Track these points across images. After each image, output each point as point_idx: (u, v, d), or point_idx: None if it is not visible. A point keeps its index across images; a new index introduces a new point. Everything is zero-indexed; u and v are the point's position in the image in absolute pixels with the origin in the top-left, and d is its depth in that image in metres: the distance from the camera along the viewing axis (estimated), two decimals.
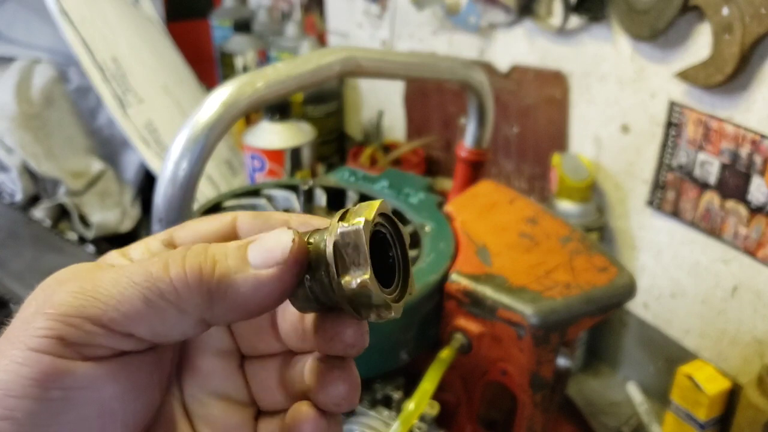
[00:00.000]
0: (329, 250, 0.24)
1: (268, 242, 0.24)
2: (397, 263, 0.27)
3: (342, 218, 0.25)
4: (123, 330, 0.23)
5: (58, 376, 0.22)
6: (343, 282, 0.24)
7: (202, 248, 0.24)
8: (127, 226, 1.24)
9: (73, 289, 0.23)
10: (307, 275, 0.25)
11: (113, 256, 0.27)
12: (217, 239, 0.27)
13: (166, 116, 1.24)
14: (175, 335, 0.24)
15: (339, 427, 0.28)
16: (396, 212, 0.78)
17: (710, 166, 0.88)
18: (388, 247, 0.27)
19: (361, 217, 0.24)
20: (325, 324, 0.26)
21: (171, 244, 0.27)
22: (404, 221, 0.76)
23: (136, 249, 0.27)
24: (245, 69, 1.55)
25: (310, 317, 0.27)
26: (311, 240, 0.26)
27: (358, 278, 0.24)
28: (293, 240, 0.24)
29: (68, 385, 0.22)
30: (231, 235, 0.27)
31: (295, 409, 0.27)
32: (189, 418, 0.27)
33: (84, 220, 1.20)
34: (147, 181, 1.30)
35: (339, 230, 0.24)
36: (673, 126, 0.92)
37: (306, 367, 0.27)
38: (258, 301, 0.24)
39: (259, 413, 0.29)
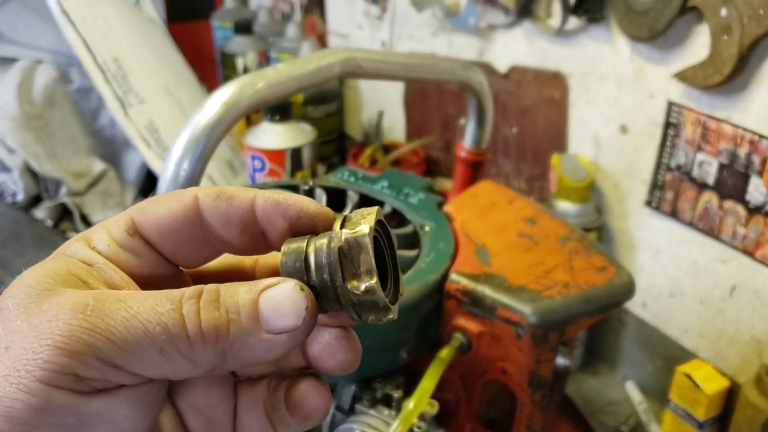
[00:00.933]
0: (334, 256, 0.25)
1: (281, 304, 0.24)
2: (389, 265, 0.28)
3: (342, 225, 0.26)
4: (136, 372, 0.23)
5: (74, 408, 0.22)
6: (349, 287, 0.25)
7: (214, 298, 0.24)
8: None
9: (82, 324, 0.22)
10: (306, 277, 0.26)
11: (77, 247, 0.26)
12: (182, 225, 0.26)
13: (167, 117, 1.25)
14: (183, 377, 0.25)
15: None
16: (396, 212, 0.78)
17: (709, 166, 0.89)
18: (382, 250, 0.27)
19: (363, 225, 0.25)
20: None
21: (135, 233, 0.27)
22: (404, 221, 0.77)
23: (100, 238, 0.27)
24: (246, 70, 1.55)
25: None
26: (312, 244, 0.26)
27: (364, 283, 0.25)
28: (307, 308, 0.24)
29: (83, 412, 0.23)
30: (195, 215, 0.26)
31: (299, 379, 0.28)
32: (173, 404, 0.28)
33: (86, 220, 1.21)
34: (148, 182, 1.31)
35: (344, 237, 0.25)
36: (671, 126, 0.93)
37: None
38: (269, 359, 0.24)
39: (237, 382, 0.29)
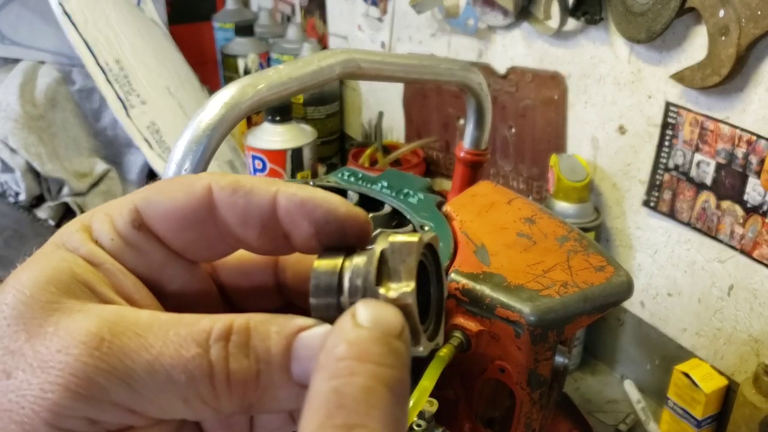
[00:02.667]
0: (375, 255, 0.22)
1: (315, 356, 0.20)
2: (432, 302, 0.25)
3: (379, 273, 0.22)
4: (154, 416, 0.21)
5: None
6: (381, 290, 0.22)
7: (244, 342, 0.21)
8: None
9: (99, 366, 0.19)
10: (337, 303, 0.23)
11: (78, 240, 0.23)
12: (192, 222, 0.23)
13: (169, 117, 1.25)
14: (202, 420, 0.23)
15: None
16: (396, 212, 0.79)
17: (706, 167, 0.89)
18: (427, 281, 0.24)
19: (403, 287, 0.22)
20: None
21: (141, 225, 0.23)
22: (404, 221, 0.77)
23: (102, 230, 0.23)
24: (247, 71, 1.56)
25: None
26: (348, 271, 0.23)
27: (399, 290, 0.22)
28: None
29: None
30: (208, 211, 0.23)
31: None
32: None
33: None
34: (150, 182, 1.31)
35: (390, 239, 0.22)
36: (669, 127, 0.93)
37: None
38: (296, 407, 0.21)
39: None
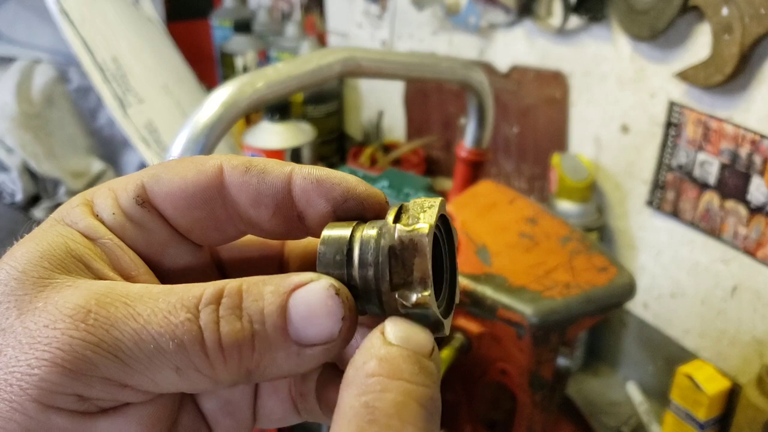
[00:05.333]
0: (384, 255, 0.21)
1: (314, 312, 0.20)
2: (445, 268, 0.23)
3: (397, 218, 0.21)
4: (147, 390, 0.20)
5: (74, 431, 0.19)
6: (397, 295, 0.21)
7: (236, 304, 0.20)
8: None
9: (85, 338, 0.19)
10: (346, 273, 0.21)
11: (78, 214, 0.22)
12: (201, 201, 0.23)
13: (166, 116, 1.25)
14: (201, 391, 0.22)
15: None
16: None
17: (710, 166, 0.89)
18: (439, 250, 0.23)
19: (422, 221, 0.21)
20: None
21: (146, 201, 0.23)
22: None
23: (104, 204, 0.23)
24: (245, 69, 1.55)
25: None
26: (359, 233, 0.21)
27: (415, 294, 0.20)
28: (344, 317, 0.20)
29: None
30: (218, 190, 0.23)
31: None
32: None
33: None
34: None
35: (398, 234, 0.20)
36: (672, 126, 0.92)
37: None
38: (299, 372, 0.21)
39: None
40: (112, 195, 0.23)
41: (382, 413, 0.18)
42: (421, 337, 0.20)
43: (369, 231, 0.21)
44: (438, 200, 0.22)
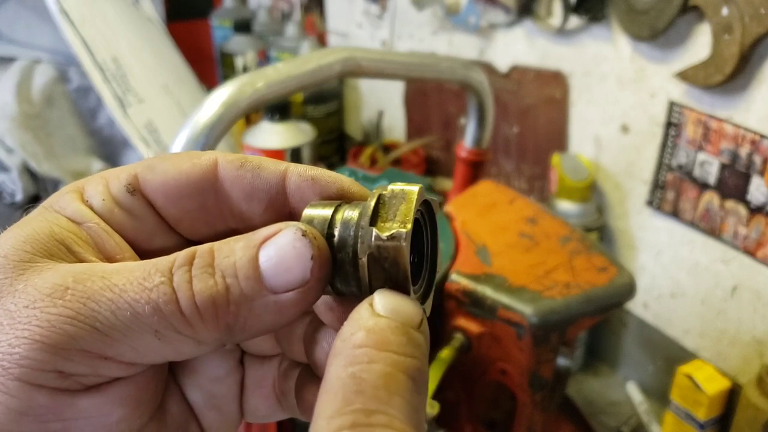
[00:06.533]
0: (363, 262, 0.21)
1: (284, 257, 0.20)
2: (426, 252, 0.24)
3: (375, 212, 0.21)
4: (131, 361, 0.20)
5: (57, 410, 0.19)
6: (375, 230, 0.21)
7: (208, 263, 0.20)
8: None
9: (62, 312, 0.19)
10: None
11: (67, 200, 0.23)
12: (193, 191, 0.23)
13: (166, 116, 1.25)
14: (188, 356, 0.21)
15: None
16: None
17: (710, 166, 0.89)
18: (420, 234, 0.23)
19: (400, 222, 0.21)
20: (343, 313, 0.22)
21: (137, 189, 0.23)
22: None
23: (94, 191, 0.23)
24: (245, 69, 1.55)
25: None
26: (340, 214, 0.22)
27: (393, 229, 0.21)
28: (313, 256, 0.20)
29: (69, 417, 0.20)
30: (211, 183, 0.23)
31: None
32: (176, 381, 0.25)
33: None
34: None
35: (375, 243, 0.20)
36: (672, 126, 0.92)
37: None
38: (280, 323, 0.21)
39: (243, 354, 0.26)
40: (104, 182, 0.23)
41: (369, 384, 0.18)
42: (410, 308, 0.20)
43: (351, 212, 0.22)
44: (416, 191, 0.22)
